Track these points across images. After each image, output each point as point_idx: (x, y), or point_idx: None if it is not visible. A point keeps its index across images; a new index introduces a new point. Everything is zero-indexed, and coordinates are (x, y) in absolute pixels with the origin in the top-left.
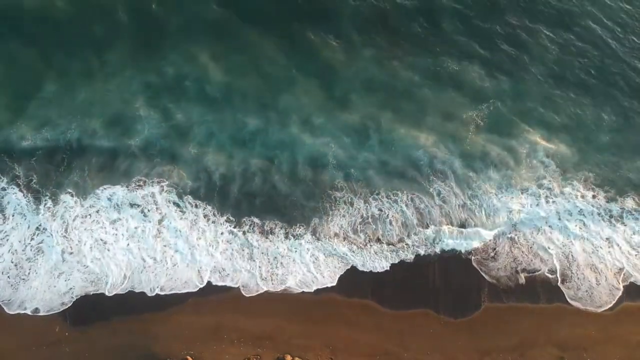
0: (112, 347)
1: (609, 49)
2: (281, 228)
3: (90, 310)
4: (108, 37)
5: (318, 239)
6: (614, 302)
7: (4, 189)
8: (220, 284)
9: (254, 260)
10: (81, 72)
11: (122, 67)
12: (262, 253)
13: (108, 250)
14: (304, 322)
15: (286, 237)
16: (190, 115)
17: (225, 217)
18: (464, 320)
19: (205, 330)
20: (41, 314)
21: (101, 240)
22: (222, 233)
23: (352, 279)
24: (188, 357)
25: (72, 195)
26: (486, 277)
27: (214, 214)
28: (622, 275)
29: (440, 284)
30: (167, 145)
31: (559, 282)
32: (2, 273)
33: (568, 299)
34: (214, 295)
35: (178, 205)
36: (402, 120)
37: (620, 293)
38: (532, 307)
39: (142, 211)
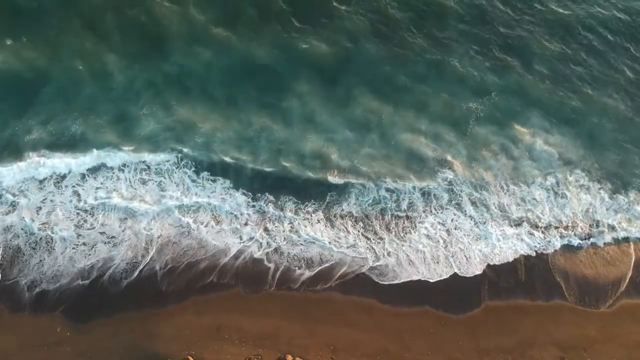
0: (113, 347)
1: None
2: (294, 203)
3: (92, 310)
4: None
5: (330, 225)
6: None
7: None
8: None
9: (271, 234)
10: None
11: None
12: (282, 231)
13: (129, 219)
14: (305, 322)
15: (296, 213)
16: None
17: (240, 192)
18: (464, 319)
19: (206, 330)
20: (50, 293)
21: (118, 209)
22: (240, 205)
23: (354, 277)
24: (189, 357)
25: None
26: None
27: (230, 187)
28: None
29: (440, 280)
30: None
31: None
32: (10, 247)
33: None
34: (214, 295)
35: (194, 179)
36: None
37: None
38: (531, 305)
39: (159, 184)
